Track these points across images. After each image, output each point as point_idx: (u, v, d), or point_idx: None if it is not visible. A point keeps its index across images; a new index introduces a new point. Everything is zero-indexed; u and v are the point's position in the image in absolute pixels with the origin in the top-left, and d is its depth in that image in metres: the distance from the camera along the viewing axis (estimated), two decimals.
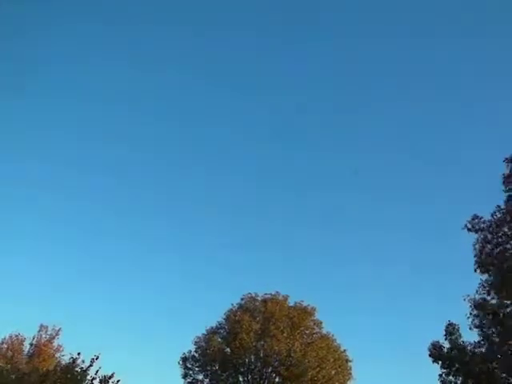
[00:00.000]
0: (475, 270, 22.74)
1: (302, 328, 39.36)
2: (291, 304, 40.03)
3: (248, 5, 77.25)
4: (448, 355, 23.89)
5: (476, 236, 22.83)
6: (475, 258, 22.59)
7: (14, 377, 24.55)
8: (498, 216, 22.43)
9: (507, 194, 22.53)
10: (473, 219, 22.96)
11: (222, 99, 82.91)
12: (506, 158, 22.72)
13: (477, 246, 22.71)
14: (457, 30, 75.38)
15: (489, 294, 23.10)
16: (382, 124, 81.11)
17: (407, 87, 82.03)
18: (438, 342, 24.34)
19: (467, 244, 23.43)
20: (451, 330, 24.28)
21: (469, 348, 23.77)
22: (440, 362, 24.03)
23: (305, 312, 39.64)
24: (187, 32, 77.28)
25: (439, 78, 79.64)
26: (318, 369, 36.94)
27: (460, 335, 24.33)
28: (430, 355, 24.44)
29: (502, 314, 22.80)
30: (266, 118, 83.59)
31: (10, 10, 51.64)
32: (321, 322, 40.14)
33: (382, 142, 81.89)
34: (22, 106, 67.09)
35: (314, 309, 40.11)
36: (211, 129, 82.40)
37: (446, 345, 24.34)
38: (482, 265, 22.36)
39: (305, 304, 39.95)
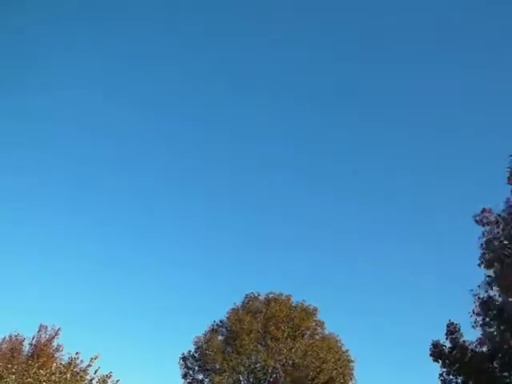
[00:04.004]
0: (479, 265, 22.47)
1: (303, 328, 39.23)
2: (293, 304, 39.88)
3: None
4: (449, 354, 23.72)
5: (483, 229, 22.56)
6: (481, 252, 22.31)
7: (13, 377, 24.36)
8: (507, 210, 22.11)
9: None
10: (482, 212, 22.61)
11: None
12: None
13: (483, 240, 22.40)
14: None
15: (493, 290, 22.86)
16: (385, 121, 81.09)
17: (407, 86, 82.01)
18: (438, 341, 24.14)
19: (468, 244, 23.24)
20: (452, 329, 24.07)
21: (470, 347, 23.59)
22: (440, 362, 23.88)
23: (306, 312, 39.53)
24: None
25: (440, 77, 79.57)
26: (319, 369, 36.79)
27: (461, 334, 24.13)
28: (430, 354, 24.27)
29: (505, 312, 22.57)
30: (266, 117, 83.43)
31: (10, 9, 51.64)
32: (323, 323, 40.06)
33: (383, 140, 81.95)
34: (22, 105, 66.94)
35: (315, 309, 40.02)
36: (213, 131, 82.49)
37: (447, 344, 24.18)
38: (487, 259, 22.07)
39: (306, 304, 39.85)
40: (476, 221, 22.75)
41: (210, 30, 79.59)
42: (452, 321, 24.52)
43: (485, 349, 23.27)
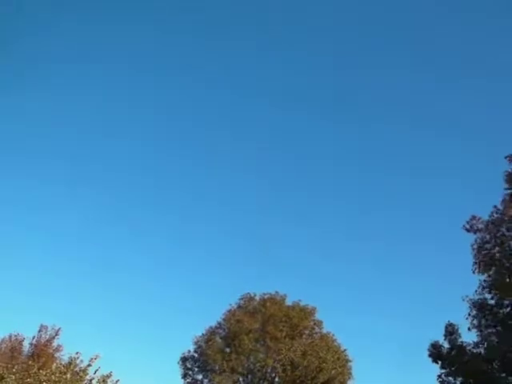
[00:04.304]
0: (473, 271, 22.62)
1: (302, 328, 39.33)
2: (290, 303, 40.01)
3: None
4: (447, 355, 23.81)
5: (474, 236, 22.69)
6: (474, 259, 22.46)
7: (13, 377, 24.41)
8: (496, 216, 22.27)
9: (509, 191, 22.31)
10: (471, 219, 22.78)
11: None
12: (508, 156, 22.45)
13: (475, 247, 22.53)
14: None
15: (488, 294, 23.01)
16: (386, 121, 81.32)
17: (407, 87, 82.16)
18: (437, 341, 24.24)
19: (466, 244, 23.35)
20: (451, 330, 24.16)
21: (468, 348, 23.70)
22: (439, 362, 23.97)
23: (305, 312, 39.61)
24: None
25: (438, 77, 79.67)
26: (318, 369, 36.85)
27: (460, 335, 24.24)
28: (429, 355, 24.36)
29: (501, 314, 22.74)
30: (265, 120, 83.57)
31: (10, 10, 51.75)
32: (321, 322, 40.12)
33: (383, 143, 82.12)
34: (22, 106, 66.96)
35: (314, 309, 40.10)
36: (210, 131, 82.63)
37: (446, 345, 24.27)
38: (480, 265, 22.23)
39: (304, 304, 39.97)
40: (466, 229, 22.84)
41: (210, 33, 79.58)
42: (451, 322, 24.68)
43: (482, 350, 23.47)
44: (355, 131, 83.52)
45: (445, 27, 74.37)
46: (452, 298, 62.94)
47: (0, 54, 50.75)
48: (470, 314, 23.33)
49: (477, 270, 22.45)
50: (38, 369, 24.41)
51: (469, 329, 23.54)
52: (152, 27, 76.13)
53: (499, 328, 22.69)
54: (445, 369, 23.88)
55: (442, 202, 76.03)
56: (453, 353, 23.67)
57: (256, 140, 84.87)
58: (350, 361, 38.69)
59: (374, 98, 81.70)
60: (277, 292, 40.41)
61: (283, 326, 38.23)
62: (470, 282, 23.68)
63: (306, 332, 39.80)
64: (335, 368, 37.50)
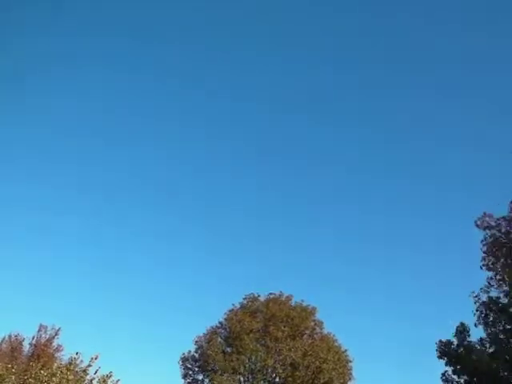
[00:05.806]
0: (481, 267, 22.53)
1: (303, 328, 39.17)
2: (293, 304, 39.82)
3: None
4: (455, 352, 23.76)
5: (484, 233, 22.60)
6: (483, 255, 22.35)
7: (13, 377, 24.13)
8: (508, 214, 22.16)
9: None
10: (483, 216, 22.66)
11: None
12: None
13: (485, 243, 22.43)
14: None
15: (496, 291, 22.94)
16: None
17: (407, 87, 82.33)
18: (448, 340, 24.23)
19: (468, 244, 23.28)
20: (461, 329, 24.16)
21: (476, 347, 23.65)
22: (446, 359, 23.92)
23: (306, 312, 39.45)
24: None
25: (439, 76, 79.83)
26: (319, 369, 36.69)
27: (469, 335, 24.24)
28: (437, 350, 24.29)
29: (510, 311, 22.61)
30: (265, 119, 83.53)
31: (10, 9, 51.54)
32: (322, 323, 39.97)
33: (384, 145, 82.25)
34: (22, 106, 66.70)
35: (314, 309, 39.95)
36: (209, 131, 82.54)
37: (455, 342, 24.25)
38: (489, 262, 22.12)
39: (305, 304, 39.81)
40: (477, 225, 22.74)
41: (210, 33, 79.64)
42: (463, 322, 24.67)
43: (488, 348, 23.39)
44: (356, 132, 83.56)
45: (446, 28, 74.59)
46: (452, 298, 63.00)
47: (0, 54, 50.52)
48: (477, 311, 23.27)
49: (485, 267, 22.34)
50: (39, 369, 24.16)
51: (475, 325, 23.55)
52: (152, 28, 76.19)
53: (507, 325, 22.58)
54: (451, 366, 23.85)
55: (441, 203, 76.12)
56: (460, 350, 23.64)
57: (256, 140, 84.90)
58: (351, 361, 38.57)
59: (375, 98, 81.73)
60: (281, 292, 40.22)
61: (284, 327, 38.04)
62: (469, 283, 23.82)
63: (307, 332, 39.62)
64: (336, 368, 37.38)
